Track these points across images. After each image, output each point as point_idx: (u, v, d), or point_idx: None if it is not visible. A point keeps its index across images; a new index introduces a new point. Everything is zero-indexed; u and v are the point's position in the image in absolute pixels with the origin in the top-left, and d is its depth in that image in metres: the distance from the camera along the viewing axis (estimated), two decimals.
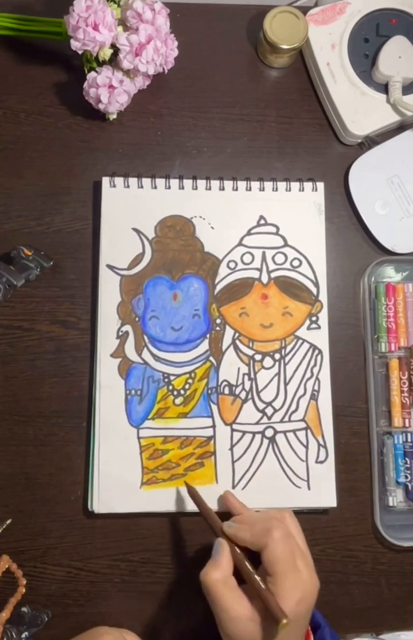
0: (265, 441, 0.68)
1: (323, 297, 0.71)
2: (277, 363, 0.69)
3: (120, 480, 0.66)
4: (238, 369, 0.69)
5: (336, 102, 0.72)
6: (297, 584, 0.53)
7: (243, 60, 0.76)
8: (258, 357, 0.69)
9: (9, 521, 0.67)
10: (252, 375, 0.69)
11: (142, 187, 0.71)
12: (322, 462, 0.68)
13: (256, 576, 0.54)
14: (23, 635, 0.63)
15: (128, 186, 0.71)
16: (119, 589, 0.67)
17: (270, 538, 0.54)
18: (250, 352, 0.69)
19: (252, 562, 0.56)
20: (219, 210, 0.71)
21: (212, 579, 0.55)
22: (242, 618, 0.53)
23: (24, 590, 0.66)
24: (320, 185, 0.72)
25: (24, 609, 0.65)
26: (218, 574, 0.55)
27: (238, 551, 0.56)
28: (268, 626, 0.52)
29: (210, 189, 0.71)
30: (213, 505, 0.65)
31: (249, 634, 0.53)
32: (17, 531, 0.67)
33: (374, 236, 0.72)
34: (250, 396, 0.69)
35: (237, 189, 0.72)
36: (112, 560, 0.68)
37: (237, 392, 0.69)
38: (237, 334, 0.69)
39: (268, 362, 0.69)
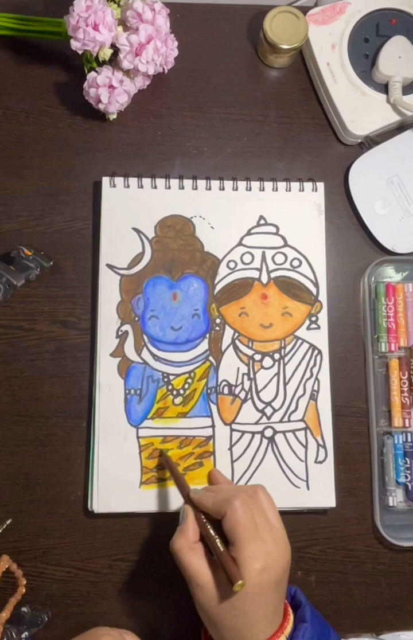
0: (265, 441, 0.68)
1: (323, 297, 0.71)
2: (276, 363, 0.69)
3: (119, 480, 0.66)
4: (238, 368, 0.69)
5: (336, 102, 0.72)
6: (258, 553, 0.53)
7: (243, 60, 0.76)
8: (257, 357, 0.69)
9: (9, 521, 0.67)
10: (252, 375, 0.69)
11: (142, 187, 0.71)
12: (321, 462, 0.68)
13: (217, 541, 0.54)
14: (23, 635, 0.63)
15: (128, 186, 0.71)
16: (119, 589, 0.67)
17: (229, 506, 0.54)
18: (249, 352, 0.69)
19: (219, 532, 0.56)
20: (219, 210, 0.71)
21: (177, 546, 0.55)
22: (208, 585, 0.54)
23: (24, 590, 0.66)
24: (320, 185, 0.72)
25: (24, 609, 0.65)
26: (184, 541, 0.56)
27: (203, 518, 0.57)
28: (234, 596, 0.52)
29: (210, 189, 0.71)
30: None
31: (216, 601, 0.53)
32: (17, 531, 0.67)
33: (374, 236, 0.72)
34: (249, 396, 0.69)
35: (237, 189, 0.72)
36: (112, 560, 0.68)
37: (236, 392, 0.69)
38: (236, 334, 0.69)
39: (267, 362, 0.69)
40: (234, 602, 0.52)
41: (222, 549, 0.54)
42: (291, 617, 0.56)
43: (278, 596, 0.55)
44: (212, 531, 0.56)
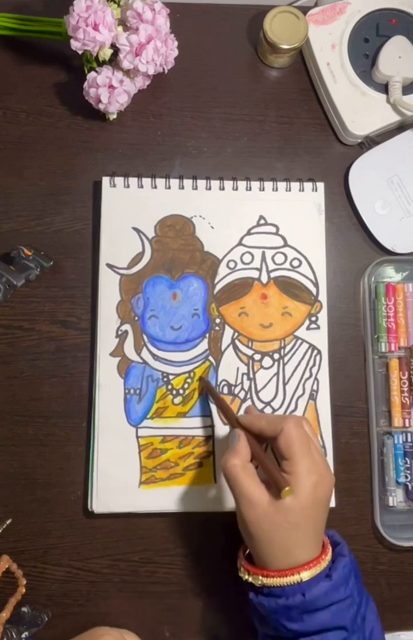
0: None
1: (323, 297, 0.71)
2: (276, 363, 0.69)
3: (118, 480, 0.66)
4: (238, 368, 0.69)
5: (336, 102, 0.72)
6: (313, 468, 0.55)
7: (243, 60, 0.76)
8: (257, 356, 0.69)
9: (9, 521, 0.67)
10: (251, 375, 0.69)
11: (142, 187, 0.71)
12: None
13: (269, 458, 0.56)
14: (23, 635, 0.63)
15: (128, 186, 0.71)
16: (119, 589, 0.67)
17: (285, 422, 0.56)
18: (249, 352, 0.69)
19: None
20: (219, 210, 0.71)
21: (230, 464, 0.56)
22: (260, 503, 0.54)
23: (24, 590, 0.66)
24: (320, 185, 0.72)
25: (24, 609, 0.65)
26: (237, 459, 0.56)
27: (253, 439, 0.58)
28: (282, 517, 0.53)
29: (210, 188, 0.71)
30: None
31: (266, 519, 0.54)
32: (17, 531, 0.67)
33: (374, 236, 0.72)
34: (249, 396, 0.69)
35: (237, 189, 0.72)
36: (112, 560, 0.68)
37: (236, 392, 0.69)
38: (236, 334, 0.69)
39: (267, 362, 0.69)
40: (288, 516, 0.53)
41: (273, 463, 0.55)
42: (330, 549, 0.57)
43: (324, 515, 0.56)
44: (259, 446, 0.58)
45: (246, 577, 0.56)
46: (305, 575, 0.53)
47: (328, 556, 0.55)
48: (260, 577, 0.54)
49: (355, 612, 0.54)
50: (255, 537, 0.55)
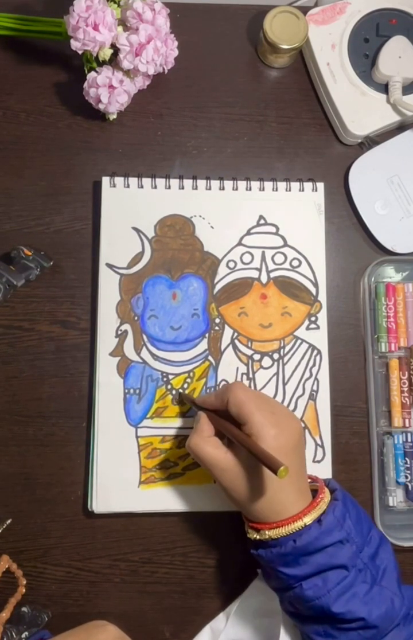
0: None
1: (323, 297, 0.71)
2: (275, 363, 0.69)
3: (118, 479, 0.66)
4: (237, 368, 0.69)
5: (336, 102, 0.72)
6: (268, 421, 0.56)
7: (243, 60, 0.76)
8: (257, 356, 0.69)
9: (9, 521, 0.67)
10: (251, 375, 0.69)
11: (142, 187, 0.71)
12: (319, 461, 0.68)
13: (232, 426, 0.57)
14: (23, 635, 0.63)
15: (128, 186, 0.71)
16: (119, 589, 0.67)
17: (230, 390, 0.58)
18: (249, 352, 0.69)
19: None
20: (219, 209, 0.71)
21: (193, 442, 0.59)
22: (229, 467, 0.57)
23: (24, 590, 0.66)
24: (320, 186, 0.72)
25: (24, 609, 0.65)
26: (199, 437, 0.59)
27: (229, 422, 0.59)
28: (257, 471, 0.55)
29: (210, 188, 0.71)
30: None
31: (243, 478, 0.56)
32: (17, 531, 0.68)
33: (374, 236, 0.72)
34: None
35: (237, 189, 0.72)
36: (112, 560, 0.68)
37: None
38: (236, 334, 0.69)
39: (267, 362, 0.69)
40: (260, 472, 0.55)
41: (244, 436, 0.56)
42: (326, 496, 0.58)
43: (298, 462, 0.58)
44: (228, 423, 0.58)
45: (255, 535, 0.57)
46: (307, 519, 0.55)
47: (322, 505, 0.56)
48: (266, 532, 0.56)
49: (355, 551, 0.55)
50: (239, 500, 0.57)
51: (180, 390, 0.68)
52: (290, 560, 0.55)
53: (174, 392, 0.68)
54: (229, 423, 0.58)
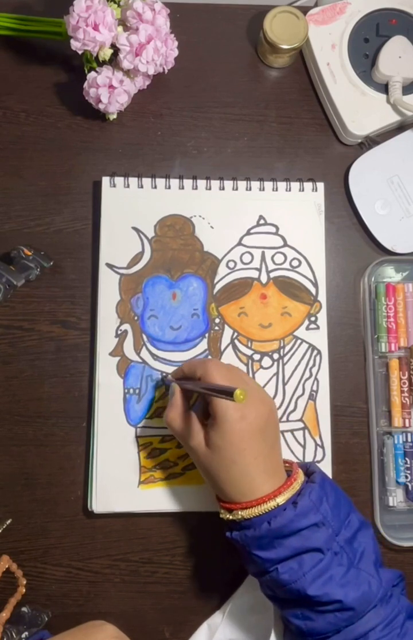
0: None
1: (322, 297, 0.71)
2: (275, 363, 0.69)
3: (117, 479, 0.66)
4: None
5: (336, 102, 0.72)
6: (233, 405, 0.56)
7: (243, 60, 0.76)
8: (256, 356, 0.69)
9: (9, 521, 0.67)
10: (251, 375, 0.69)
11: (142, 187, 0.71)
12: (319, 461, 0.68)
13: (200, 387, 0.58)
14: (23, 635, 0.63)
15: (128, 186, 0.71)
16: (119, 589, 0.67)
17: (203, 363, 0.59)
18: (248, 352, 0.69)
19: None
20: (219, 209, 0.71)
21: (169, 417, 0.60)
22: (200, 446, 0.58)
23: (24, 590, 0.66)
24: (320, 186, 0.72)
25: (24, 609, 0.65)
26: (174, 411, 0.60)
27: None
28: (219, 451, 0.56)
29: (210, 188, 0.71)
30: None
31: (211, 456, 0.57)
32: (17, 531, 0.68)
33: (374, 236, 0.72)
34: None
35: (237, 189, 0.72)
36: (112, 560, 0.68)
37: None
38: (235, 334, 0.69)
39: (266, 362, 0.69)
40: (224, 452, 0.56)
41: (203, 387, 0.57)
42: (299, 477, 0.58)
43: (267, 445, 0.58)
44: (196, 387, 0.59)
45: (227, 516, 0.57)
46: (280, 499, 0.55)
47: (295, 486, 0.57)
48: (238, 512, 0.56)
49: (331, 534, 0.55)
50: (211, 477, 0.58)
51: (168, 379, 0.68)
52: (265, 543, 0.55)
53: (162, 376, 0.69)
54: (189, 382, 0.60)
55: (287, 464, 0.60)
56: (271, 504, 0.55)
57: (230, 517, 0.57)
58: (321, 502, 0.56)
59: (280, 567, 0.55)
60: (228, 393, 0.50)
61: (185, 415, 0.60)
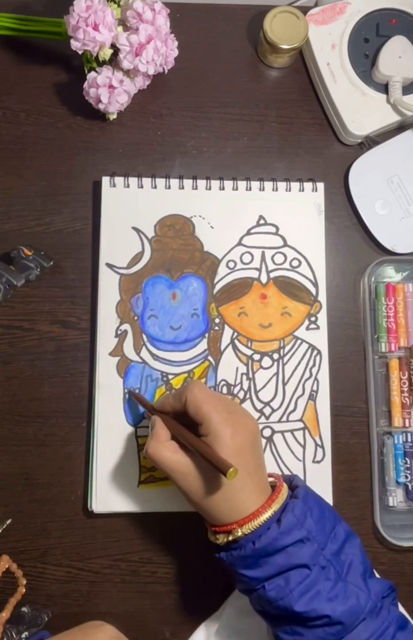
0: (263, 441, 0.68)
1: (322, 297, 0.71)
2: (275, 363, 0.69)
3: (117, 479, 0.66)
4: (237, 368, 0.69)
5: (336, 102, 0.72)
6: (223, 421, 0.56)
7: (243, 60, 0.76)
8: (256, 356, 0.69)
9: (9, 521, 0.67)
10: (251, 375, 0.69)
11: (142, 187, 0.71)
12: (318, 462, 0.68)
13: (188, 433, 0.57)
14: (23, 635, 0.63)
15: (128, 186, 0.71)
16: (119, 589, 0.67)
17: (188, 390, 0.58)
18: (248, 352, 0.69)
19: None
20: (219, 209, 0.71)
21: (151, 449, 0.58)
22: (189, 471, 0.57)
23: (24, 590, 0.66)
24: (320, 186, 0.72)
25: (24, 609, 0.65)
26: (156, 443, 0.58)
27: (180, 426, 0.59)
28: (215, 473, 0.55)
29: (210, 188, 0.71)
30: None
31: (202, 480, 0.56)
32: (17, 531, 0.68)
33: (374, 236, 0.72)
34: (248, 396, 0.68)
35: (237, 189, 0.72)
36: (112, 560, 0.68)
37: (235, 392, 0.69)
38: (235, 334, 0.69)
39: (266, 362, 0.69)
40: (218, 473, 0.55)
41: (198, 440, 0.56)
42: (284, 491, 0.58)
43: (255, 459, 0.58)
44: (181, 427, 0.58)
45: (226, 538, 0.57)
46: (267, 514, 0.55)
47: (278, 501, 0.56)
48: (238, 530, 0.55)
49: (316, 549, 0.54)
50: (200, 504, 0.57)
51: (132, 389, 0.68)
52: (251, 562, 0.55)
53: (126, 391, 0.68)
54: (181, 426, 0.58)
55: (272, 478, 0.60)
56: (260, 520, 0.55)
57: (231, 537, 0.56)
58: (305, 517, 0.55)
59: (266, 585, 0.54)
60: (221, 465, 0.52)
61: (167, 445, 0.58)
